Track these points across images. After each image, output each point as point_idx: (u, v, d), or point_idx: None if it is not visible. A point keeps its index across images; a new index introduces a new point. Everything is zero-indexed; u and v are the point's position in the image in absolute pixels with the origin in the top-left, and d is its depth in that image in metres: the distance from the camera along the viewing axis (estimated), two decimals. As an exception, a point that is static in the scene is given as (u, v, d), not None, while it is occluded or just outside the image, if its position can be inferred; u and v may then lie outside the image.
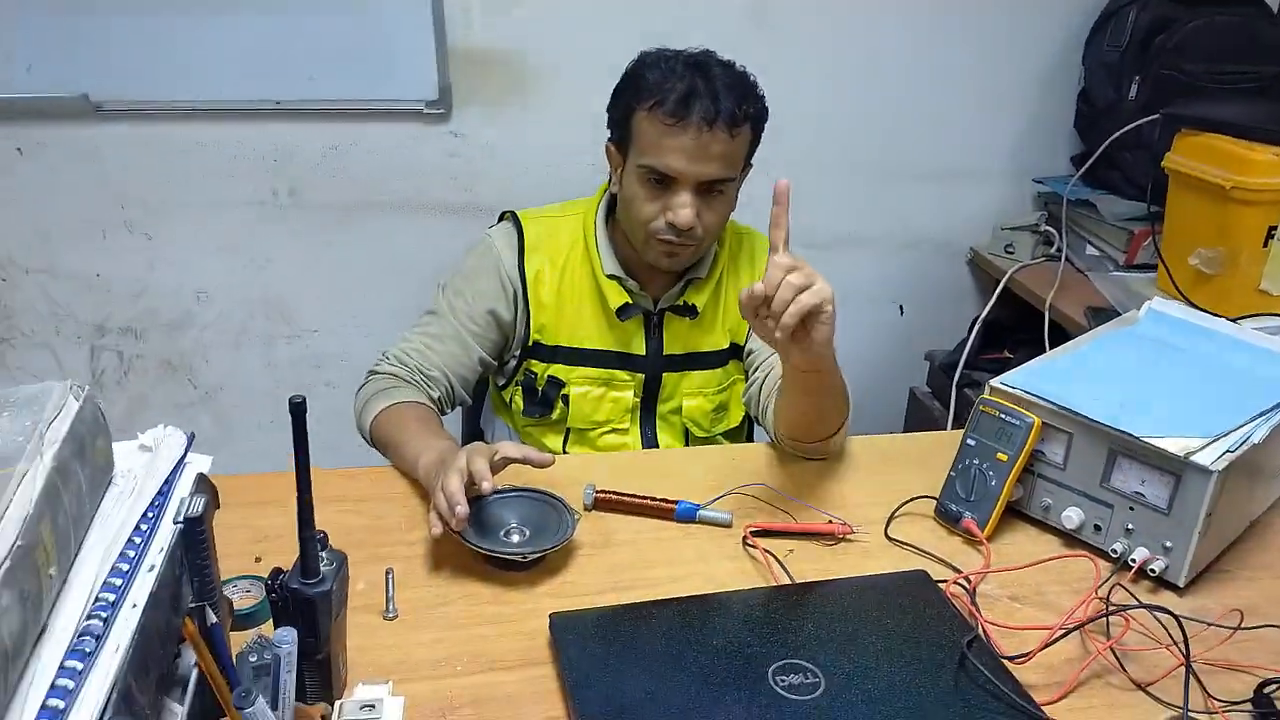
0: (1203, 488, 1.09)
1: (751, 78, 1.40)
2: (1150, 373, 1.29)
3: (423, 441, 1.26)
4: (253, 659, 0.76)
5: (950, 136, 2.35)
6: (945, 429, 2.28)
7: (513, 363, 1.55)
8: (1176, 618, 1.00)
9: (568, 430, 1.55)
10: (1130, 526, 1.16)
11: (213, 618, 0.71)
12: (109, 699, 0.57)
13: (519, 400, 1.55)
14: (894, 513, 1.26)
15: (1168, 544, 1.13)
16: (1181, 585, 1.14)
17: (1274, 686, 0.99)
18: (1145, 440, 1.12)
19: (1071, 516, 1.20)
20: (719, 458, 1.42)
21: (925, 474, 1.32)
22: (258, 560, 1.11)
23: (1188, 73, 2.09)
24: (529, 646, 1.02)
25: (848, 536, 1.22)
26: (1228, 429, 1.13)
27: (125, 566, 0.65)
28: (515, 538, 1.14)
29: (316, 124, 2.08)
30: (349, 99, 2.06)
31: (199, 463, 0.77)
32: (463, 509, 1.06)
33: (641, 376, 1.54)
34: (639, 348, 1.53)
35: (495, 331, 1.50)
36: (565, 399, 1.52)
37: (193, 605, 0.71)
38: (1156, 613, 1.03)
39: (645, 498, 1.25)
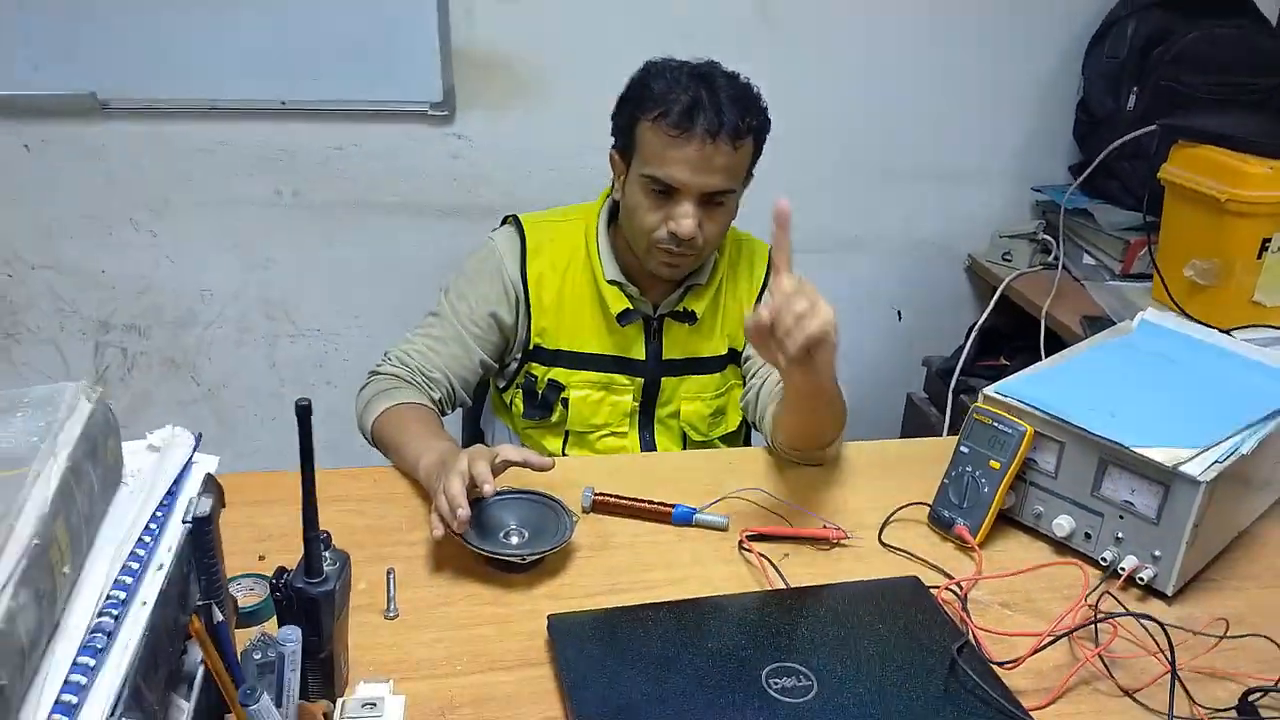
0: (1191, 498, 1.10)
1: (755, 90, 1.42)
2: (1141, 383, 1.30)
3: (424, 443, 1.28)
4: (257, 656, 0.78)
5: (950, 144, 2.37)
6: (942, 434, 2.29)
7: (513, 365, 1.56)
8: (1163, 626, 1.01)
9: (567, 433, 1.57)
10: (1120, 535, 1.17)
11: (219, 616, 0.73)
12: (120, 694, 0.58)
13: (519, 403, 1.57)
14: (888, 518, 1.28)
15: (1156, 553, 1.14)
16: (1170, 594, 1.15)
17: (1259, 694, 1.00)
18: (1135, 450, 1.13)
19: (1062, 524, 1.22)
20: (716, 462, 1.44)
21: (920, 480, 1.33)
22: (261, 558, 1.13)
23: (1186, 84, 2.11)
24: (528, 647, 1.03)
25: (842, 541, 1.24)
26: (1217, 440, 1.15)
27: (135, 565, 0.66)
28: (515, 539, 1.15)
29: (321, 124, 2.10)
30: (353, 100, 2.08)
31: (206, 463, 0.78)
32: (464, 511, 1.07)
33: (640, 381, 1.56)
34: (638, 352, 1.54)
35: (496, 334, 1.52)
36: (565, 402, 1.54)
37: (199, 603, 0.73)
38: (1144, 620, 1.04)
39: (643, 501, 1.27)
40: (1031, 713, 0.96)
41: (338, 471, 1.30)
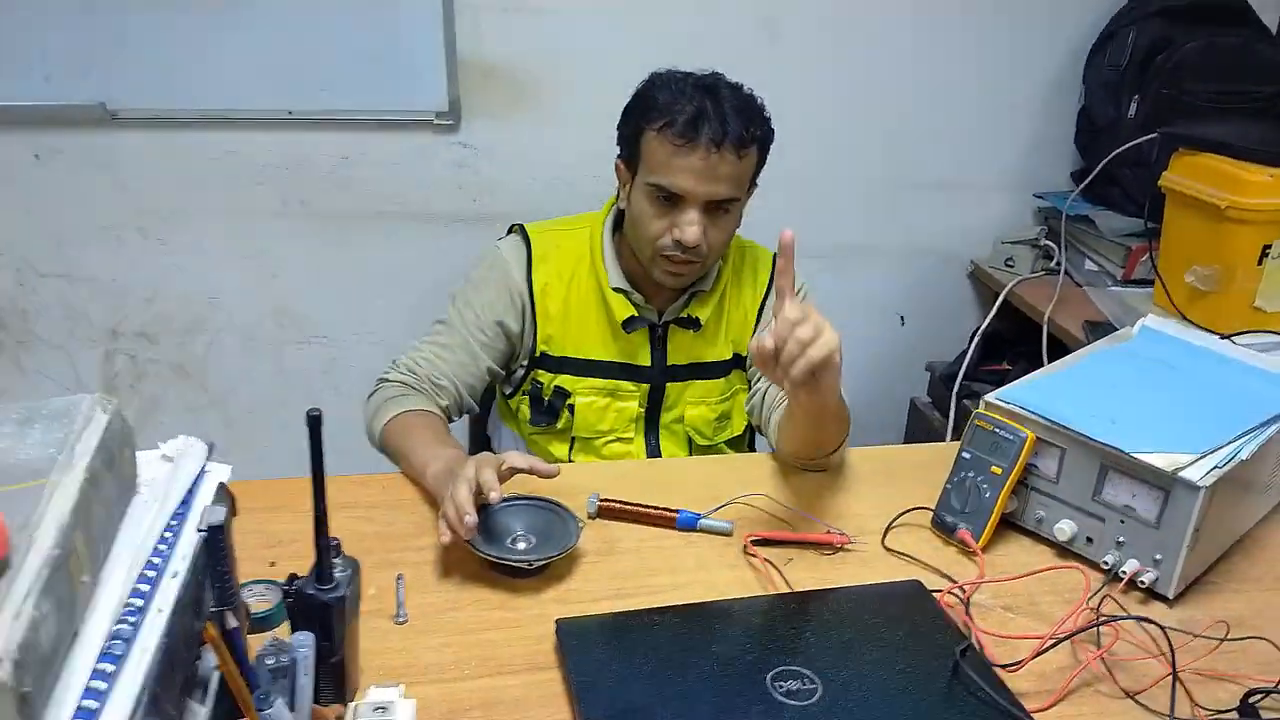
0: (1191, 503, 1.11)
1: (759, 101, 1.43)
2: (1142, 389, 1.32)
3: (431, 450, 1.29)
4: (270, 661, 0.79)
5: (953, 151, 2.38)
6: (945, 439, 2.31)
7: (520, 372, 1.58)
8: (1163, 628, 1.02)
9: (573, 439, 1.58)
10: (1121, 539, 1.18)
11: (232, 622, 0.75)
12: (139, 700, 0.60)
13: (525, 409, 1.58)
14: (891, 523, 1.29)
15: (1157, 556, 1.15)
16: (1171, 597, 1.16)
17: (1259, 696, 1.01)
18: (1135, 456, 1.14)
19: (1064, 529, 1.23)
20: (720, 467, 1.45)
21: (922, 486, 1.35)
22: (272, 564, 1.14)
23: (1187, 92, 2.12)
24: (535, 651, 1.04)
25: (846, 546, 1.25)
26: (1216, 445, 1.16)
27: (151, 573, 0.68)
28: (522, 545, 1.17)
29: (328, 134, 2.12)
30: (360, 110, 2.09)
31: (219, 472, 0.80)
32: (471, 518, 1.09)
33: (646, 387, 1.57)
34: (644, 359, 1.56)
35: (503, 342, 1.53)
36: (571, 409, 1.55)
37: (213, 610, 0.74)
38: (1145, 623, 1.05)
39: (648, 507, 1.28)
40: (1033, 715, 0.97)
41: (347, 478, 1.32)
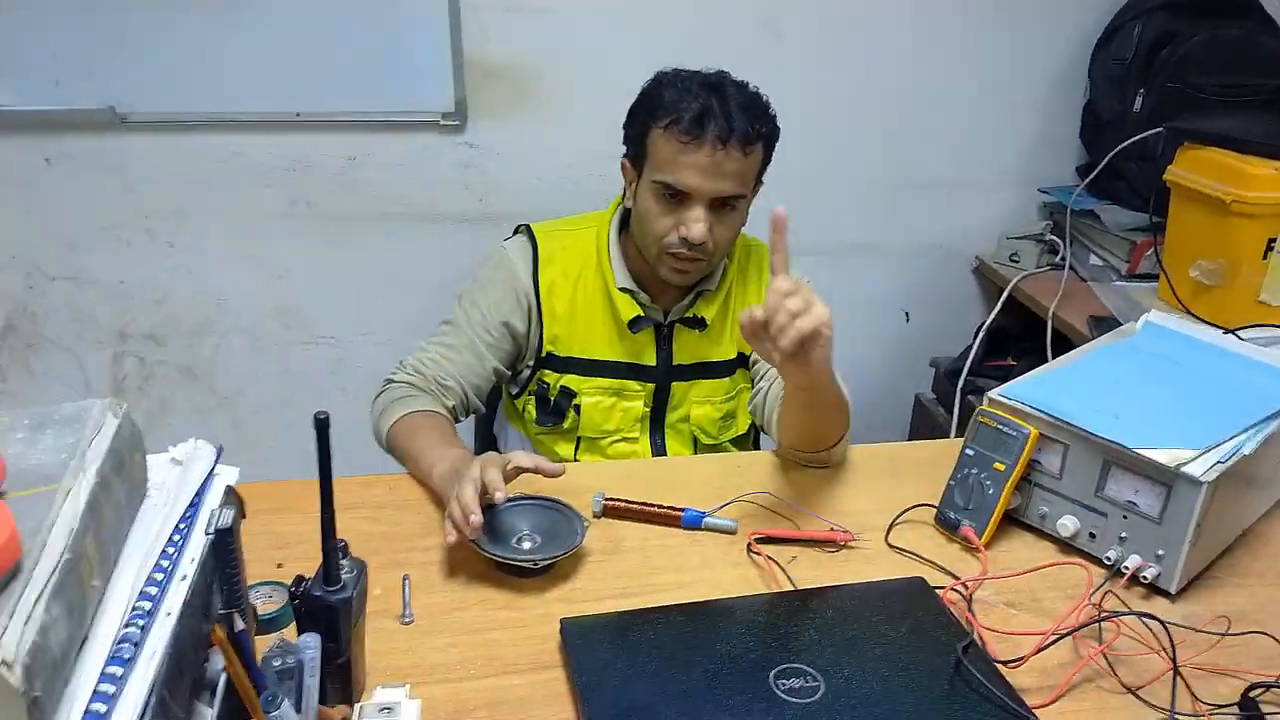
0: (1193, 498, 1.12)
1: (764, 99, 1.44)
2: (1145, 385, 1.32)
3: (438, 451, 1.30)
4: (277, 663, 0.80)
5: (957, 147, 2.38)
6: (950, 434, 2.31)
7: (526, 372, 1.59)
8: (1164, 624, 1.03)
9: (579, 439, 1.59)
10: (1124, 535, 1.19)
11: (240, 624, 0.76)
12: (147, 703, 0.61)
13: (532, 409, 1.59)
14: (894, 520, 1.30)
15: (1160, 552, 1.16)
16: (1173, 592, 1.17)
17: (1261, 690, 1.02)
18: (1138, 451, 1.15)
19: (1067, 525, 1.24)
20: (724, 466, 1.45)
21: (925, 482, 1.35)
22: (279, 566, 1.15)
23: (1192, 85, 2.12)
24: (540, 650, 1.05)
25: (849, 543, 1.26)
26: (1219, 440, 1.16)
27: (160, 576, 0.69)
28: (527, 545, 1.18)
29: (334, 135, 2.13)
30: (367, 111, 2.10)
31: (227, 474, 0.81)
32: (477, 518, 1.09)
33: (651, 386, 1.58)
34: (649, 358, 1.57)
35: (509, 342, 1.54)
36: (577, 409, 1.56)
37: (221, 612, 0.75)
38: (1146, 619, 1.06)
39: (652, 506, 1.29)
40: (1035, 711, 0.97)
41: (353, 479, 1.33)
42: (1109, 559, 1.20)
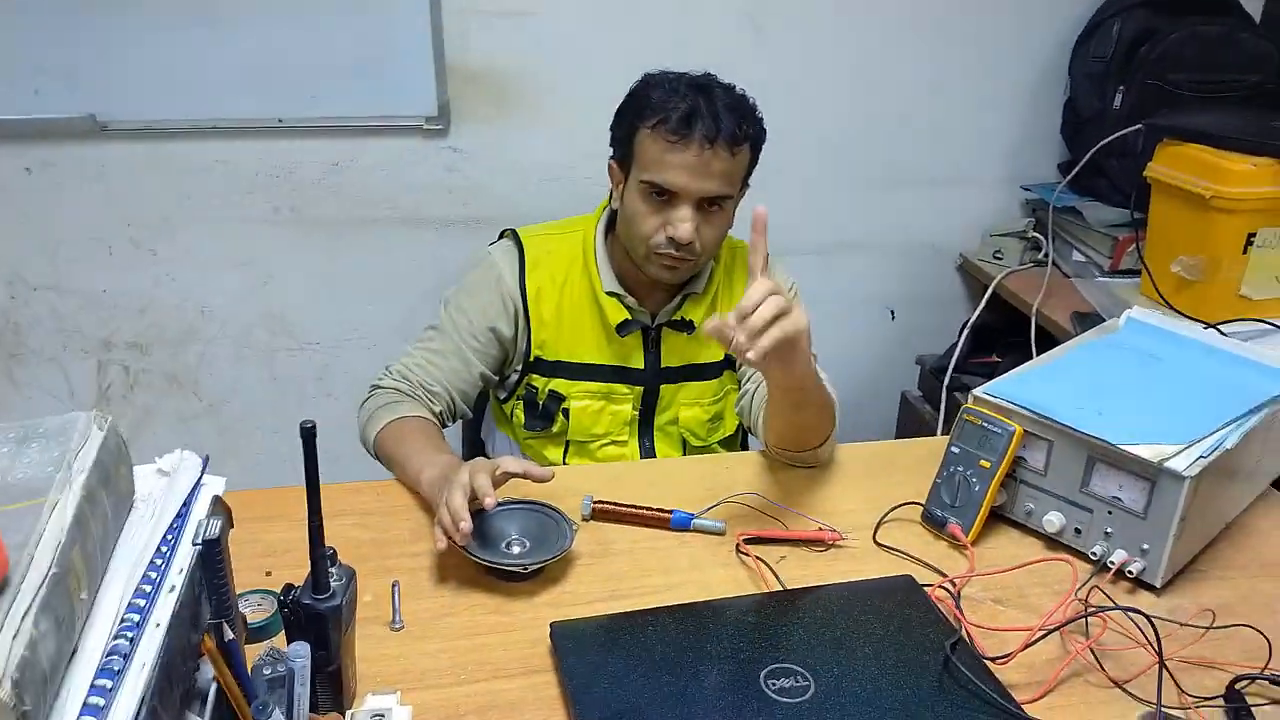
0: (1177, 492, 1.13)
1: (751, 100, 1.44)
2: (1128, 381, 1.33)
3: (425, 457, 1.30)
4: (267, 671, 0.81)
5: (940, 146, 2.39)
6: (936, 431, 2.32)
7: (514, 377, 1.59)
8: (1149, 618, 1.04)
9: (568, 443, 1.59)
10: (1109, 530, 1.20)
11: (229, 634, 0.76)
12: (138, 714, 0.61)
13: (520, 413, 1.59)
14: (882, 519, 1.30)
15: (1145, 546, 1.17)
16: (1158, 586, 1.18)
17: (1246, 682, 1.03)
18: (1121, 447, 1.16)
19: (1053, 521, 1.24)
20: (713, 467, 1.46)
21: (912, 480, 1.36)
22: (268, 574, 1.15)
23: (1171, 82, 2.13)
24: (531, 655, 1.05)
25: (837, 543, 1.26)
26: (1201, 435, 1.17)
27: (148, 588, 0.69)
28: (516, 549, 1.18)
29: (318, 141, 2.12)
30: (350, 116, 2.10)
31: (214, 484, 0.81)
32: (466, 525, 1.10)
33: (640, 389, 1.58)
34: (637, 361, 1.57)
35: (496, 348, 1.54)
36: (566, 412, 1.56)
37: (211, 622, 0.75)
38: (1131, 613, 1.07)
39: (641, 508, 1.29)
40: (1024, 706, 0.98)
41: (341, 486, 1.32)
42: (1094, 554, 1.21)
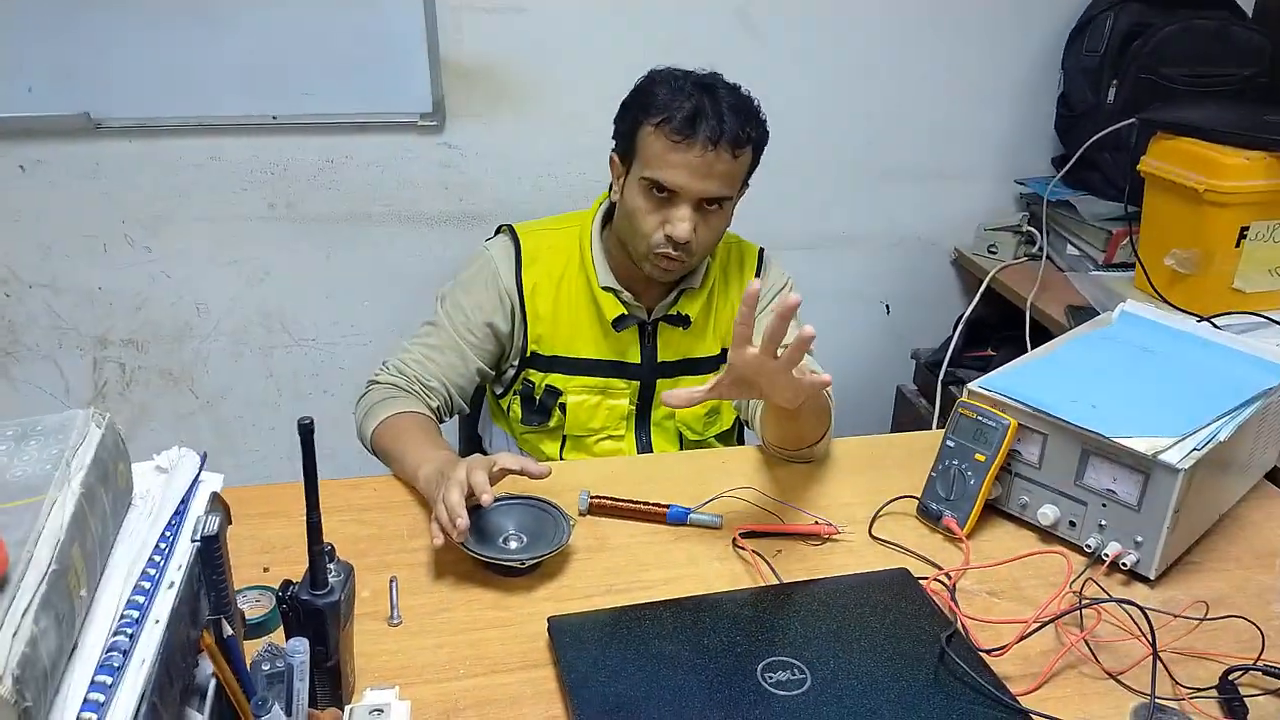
0: (1170, 485, 1.13)
1: (756, 102, 1.44)
2: (1121, 374, 1.33)
3: (422, 452, 1.31)
4: (266, 667, 0.81)
5: (934, 139, 2.39)
6: (932, 426, 2.32)
7: (510, 372, 1.59)
8: (1143, 610, 1.04)
9: (565, 437, 1.60)
10: (1103, 522, 1.20)
11: (228, 630, 0.76)
12: (138, 710, 0.61)
13: (517, 409, 1.60)
14: (877, 512, 1.31)
15: (1139, 539, 1.18)
16: (1152, 578, 1.18)
17: (1239, 673, 1.04)
18: (1115, 440, 1.16)
19: (1047, 513, 1.25)
20: (709, 462, 1.46)
21: (908, 474, 1.37)
22: (266, 570, 1.15)
23: (1164, 76, 2.13)
24: (529, 649, 1.06)
25: (833, 536, 1.27)
26: (1195, 428, 1.18)
27: (147, 585, 0.69)
28: (514, 544, 1.18)
29: (312, 138, 2.12)
30: (344, 113, 2.09)
31: (212, 481, 0.81)
32: (463, 521, 1.10)
33: (636, 384, 1.58)
34: (634, 356, 1.57)
35: (493, 343, 1.55)
36: (563, 407, 1.57)
37: (209, 618, 0.75)
38: (1125, 605, 1.07)
39: (638, 503, 1.30)
40: (1019, 698, 0.99)
41: (339, 482, 1.33)
42: (1089, 546, 1.21)
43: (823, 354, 1.51)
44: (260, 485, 1.34)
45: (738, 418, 1.66)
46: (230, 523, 0.79)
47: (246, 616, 1.05)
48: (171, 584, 0.70)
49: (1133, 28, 2.14)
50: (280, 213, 2.17)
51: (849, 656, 1.02)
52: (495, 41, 2.11)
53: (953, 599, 1.13)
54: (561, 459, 1.60)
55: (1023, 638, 1.05)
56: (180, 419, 2.32)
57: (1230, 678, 1.03)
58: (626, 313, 1.54)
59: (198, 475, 0.80)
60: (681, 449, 1.64)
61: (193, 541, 0.73)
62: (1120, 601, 1.08)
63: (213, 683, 0.74)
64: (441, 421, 1.50)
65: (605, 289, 1.53)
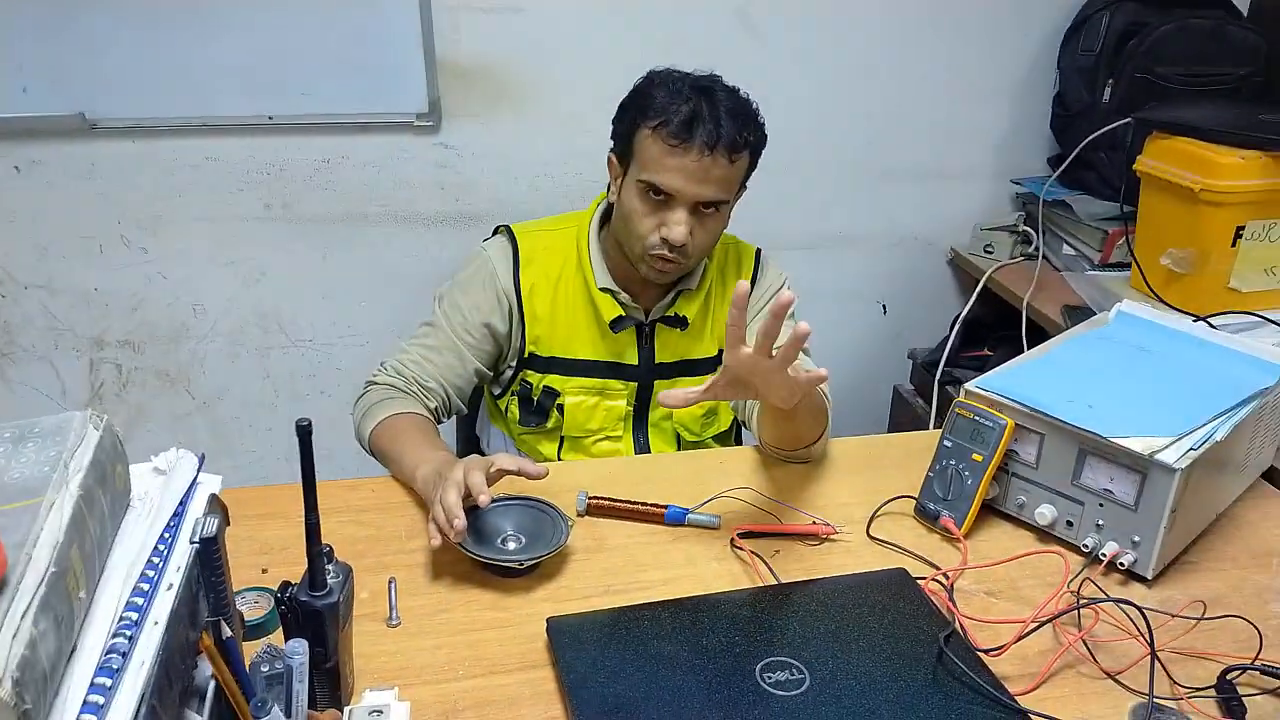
0: (1167, 485, 1.13)
1: (754, 105, 1.44)
2: (1118, 374, 1.34)
3: (420, 453, 1.30)
4: (265, 669, 0.81)
5: (931, 139, 2.40)
6: (929, 426, 2.33)
7: (508, 373, 1.59)
8: (1141, 609, 1.04)
9: (562, 438, 1.60)
10: (1100, 522, 1.21)
11: (227, 631, 0.76)
12: (137, 712, 0.61)
13: (515, 409, 1.60)
14: (875, 512, 1.31)
15: (1136, 538, 1.18)
16: (1150, 577, 1.19)
17: (1237, 673, 1.04)
18: (1112, 440, 1.17)
19: (1045, 513, 1.25)
20: (707, 462, 1.46)
21: (905, 474, 1.37)
22: (264, 571, 1.15)
23: (1160, 75, 2.14)
24: (528, 650, 1.06)
25: (831, 536, 1.27)
26: (1192, 427, 1.18)
27: (146, 586, 0.69)
28: (512, 545, 1.18)
29: (309, 138, 2.12)
30: (340, 113, 2.09)
31: (210, 483, 0.81)
32: (460, 522, 1.10)
33: (634, 385, 1.58)
34: (631, 357, 1.57)
35: (490, 343, 1.55)
36: (560, 408, 1.57)
37: (208, 619, 0.75)
38: (1123, 605, 1.07)
39: (636, 503, 1.30)
40: (1017, 698, 0.99)
41: (337, 483, 1.33)
42: (1086, 546, 1.22)
43: (820, 354, 1.51)
44: (258, 486, 1.34)
45: (735, 419, 1.66)
46: (228, 524, 0.79)
47: (245, 618, 1.05)
48: (170, 585, 0.70)
49: (1128, 27, 2.15)
50: (277, 213, 2.17)
51: (847, 656, 1.02)
52: (492, 41, 2.11)
53: (951, 599, 1.13)
54: (559, 459, 1.60)
55: (1021, 637, 1.05)
56: (177, 420, 2.32)
57: (1228, 677, 1.03)
58: (624, 314, 1.53)
59: (196, 477, 0.80)
60: (679, 450, 1.64)
61: (191, 543, 0.73)
62: (1118, 601, 1.08)
63: (212, 684, 0.74)
64: (439, 422, 1.50)
65: (603, 290, 1.53)
